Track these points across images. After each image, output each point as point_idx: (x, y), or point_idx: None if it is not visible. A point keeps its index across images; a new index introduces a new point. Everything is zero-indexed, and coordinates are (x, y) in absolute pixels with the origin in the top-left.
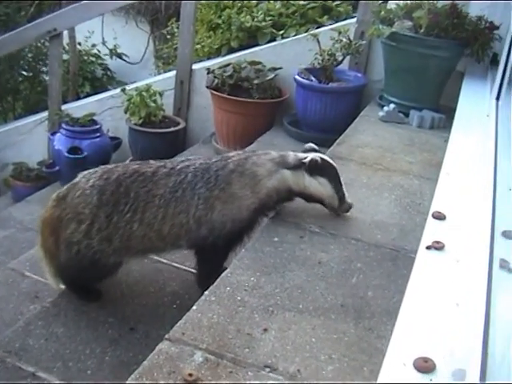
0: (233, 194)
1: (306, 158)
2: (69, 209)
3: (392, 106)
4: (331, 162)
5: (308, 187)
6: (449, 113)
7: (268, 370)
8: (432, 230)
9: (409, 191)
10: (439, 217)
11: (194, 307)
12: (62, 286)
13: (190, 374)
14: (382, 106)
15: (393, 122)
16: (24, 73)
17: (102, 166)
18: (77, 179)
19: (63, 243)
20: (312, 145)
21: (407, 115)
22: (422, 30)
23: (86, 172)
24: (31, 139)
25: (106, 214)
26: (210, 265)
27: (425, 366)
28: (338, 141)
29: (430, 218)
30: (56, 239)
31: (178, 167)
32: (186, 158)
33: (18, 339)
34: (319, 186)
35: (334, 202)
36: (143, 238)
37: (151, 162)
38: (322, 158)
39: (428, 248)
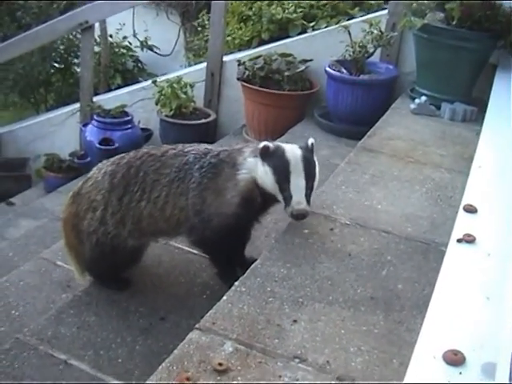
0: (219, 186)
1: None
2: (84, 200)
3: (423, 98)
4: (289, 154)
5: (258, 176)
6: (481, 105)
7: (297, 360)
8: (463, 223)
9: (440, 184)
10: (470, 210)
11: (225, 297)
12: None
13: (220, 364)
14: (414, 99)
15: (424, 114)
16: (56, 65)
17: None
18: (90, 173)
19: (84, 236)
20: (311, 140)
21: (439, 108)
22: (454, 22)
23: (99, 163)
24: (63, 131)
25: (118, 196)
26: (212, 260)
27: (454, 358)
28: (368, 133)
29: (461, 211)
30: (77, 235)
31: (186, 150)
32: (199, 144)
33: (51, 327)
34: (264, 174)
35: (278, 197)
36: (150, 218)
37: (164, 146)
38: (276, 146)
39: (459, 241)
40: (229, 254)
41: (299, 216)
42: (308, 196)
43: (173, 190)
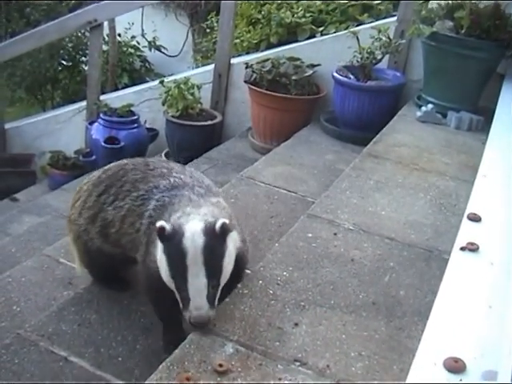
0: (151, 241)
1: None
2: (77, 192)
3: (430, 106)
4: (188, 242)
5: (158, 260)
6: (487, 115)
7: (298, 364)
8: (467, 232)
9: (444, 192)
10: (474, 218)
11: (227, 299)
12: None
13: (221, 365)
14: (420, 106)
15: (430, 122)
16: (64, 62)
17: None
18: None
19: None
20: (222, 221)
21: (445, 116)
22: (463, 31)
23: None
24: (69, 128)
25: (98, 193)
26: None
27: (455, 366)
28: (374, 139)
29: (465, 220)
30: None
31: (172, 174)
32: (194, 171)
33: (52, 324)
34: (160, 263)
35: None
36: (113, 227)
37: (170, 162)
38: (176, 227)
39: (462, 249)
40: (167, 313)
41: (198, 324)
42: (212, 297)
43: (133, 207)
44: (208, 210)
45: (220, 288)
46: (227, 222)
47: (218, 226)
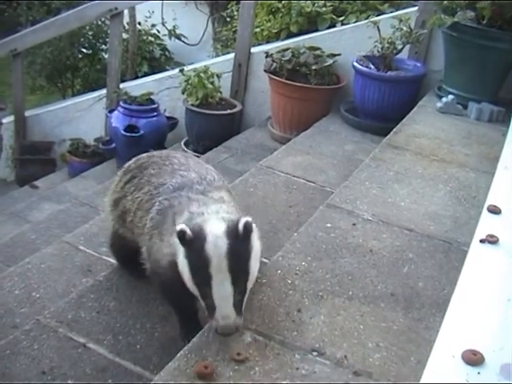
0: (162, 233)
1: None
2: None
3: (450, 97)
4: (211, 247)
5: (179, 265)
6: (508, 106)
7: (315, 353)
8: (486, 224)
9: (464, 184)
10: (494, 211)
11: None
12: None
13: (239, 353)
14: (441, 97)
15: (451, 113)
16: (84, 50)
17: None
18: None
19: None
20: (245, 219)
21: (466, 107)
22: (484, 21)
23: None
24: (89, 116)
25: (125, 181)
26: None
27: (473, 358)
28: (394, 130)
29: (485, 212)
30: None
31: (181, 173)
32: (195, 168)
33: (71, 310)
34: (182, 267)
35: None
36: (128, 215)
37: (188, 156)
38: (196, 232)
39: (482, 241)
40: (181, 305)
41: (225, 334)
42: (238, 304)
43: (143, 201)
44: (217, 208)
45: (247, 292)
46: (250, 219)
47: (240, 226)
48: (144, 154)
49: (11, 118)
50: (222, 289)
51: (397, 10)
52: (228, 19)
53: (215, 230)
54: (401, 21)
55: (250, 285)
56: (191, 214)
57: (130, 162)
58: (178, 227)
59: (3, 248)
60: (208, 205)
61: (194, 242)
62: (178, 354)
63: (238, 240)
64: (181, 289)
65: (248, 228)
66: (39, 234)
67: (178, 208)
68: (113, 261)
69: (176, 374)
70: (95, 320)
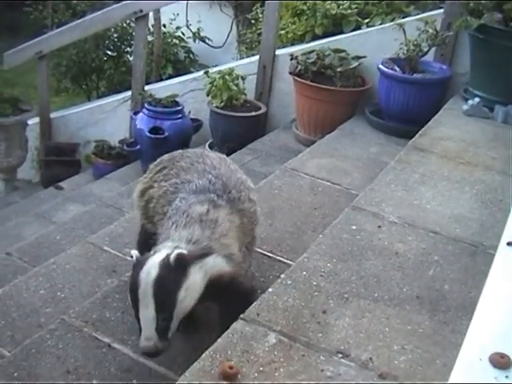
0: None
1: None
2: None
3: (477, 99)
4: (142, 275)
5: None
6: None
7: (340, 355)
8: None
9: (490, 187)
10: None
11: (270, 289)
12: None
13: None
14: (467, 100)
15: (477, 116)
16: (109, 52)
17: None
18: None
19: None
20: (177, 252)
21: (492, 110)
22: None
23: None
24: (113, 118)
25: (155, 171)
26: None
27: (501, 361)
28: (420, 132)
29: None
30: None
31: (209, 179)
32: (209, 176)
33: (96, 310)
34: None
35: None
36: (151, 202)
37: (214, 159)
38: (141, 259)
39: (509, 244)
40: None
41: (146, 354)
42: (162, 329)
43: (168, 192)
44: (190, 234)
45: (176, 320)
46: (184, 252)
47: (172, 258)
48: (178, 151)
49: (36, 120)
50: (146, 313)
51: (422, 12)
52: (252, 21)
53: (154, 259)
54: (426, 23)
55: (178, 314)
56: (166, 233)
57: (163, 156)
58: (133, 251)
59: (28, 248)
60: (188, 227)
61: (136, 267)
62: (203, 355)
63: (169, 271)
64: None
65: (180, 260)
66: (64, 235)
67: (174, 218)
68: None
69: (201, 374)
70: (120, 320)
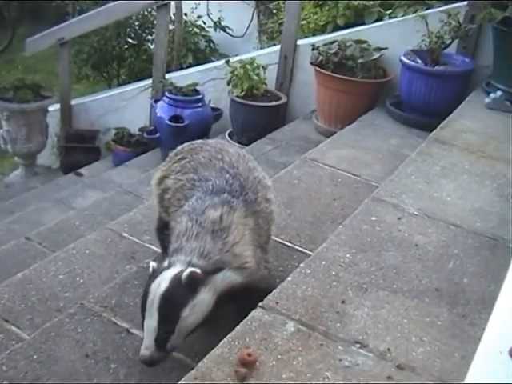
0: None
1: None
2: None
3: (499, 93)
4: (153, 286)
5: None
6: None
7: (358, 346)
8: None
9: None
10: None
11: (289, 278)
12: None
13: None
14: (489, 93)
15: (499, 109)
16: (130, 40)
17: None
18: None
19: None
20: (190, 270)
21: None
22: None
23: None
24: (134, 106)
25: (174, 161)
26: None
27: None
28: (441, 125)
29: None
30: None
31: (226, 179)
32: (225, 176)
33: (115, 296)
34: None
35: None
36: (167, 193)
37: (232, 154)
38: (156, 269)
39: None
40: None
41: (142, 362)
42: (161, 341)
43: (185, 187)
44: (200, 246)
45: (178, 335)
46: (197, 271)
47: (184, 276)
48: (198, 141)
49: (57, 106)
50: (149, 322)
51: (445, 4)
52: (274, 11)
53: (167, 273)
54: (449, 15)
55: (181, 329)
56: (179, 242)
57: (183, 145)
58: (151, 263)
59: (48, 233)
60: (199, 239)
61: (150, 278)
62: (222, 342)
63: (178, 287)
64: None
65: (192, 278)
66: (83, 221)
67: (188, 224)
68: (156, 248)
69: (219, 360)
70: (138, 306)
